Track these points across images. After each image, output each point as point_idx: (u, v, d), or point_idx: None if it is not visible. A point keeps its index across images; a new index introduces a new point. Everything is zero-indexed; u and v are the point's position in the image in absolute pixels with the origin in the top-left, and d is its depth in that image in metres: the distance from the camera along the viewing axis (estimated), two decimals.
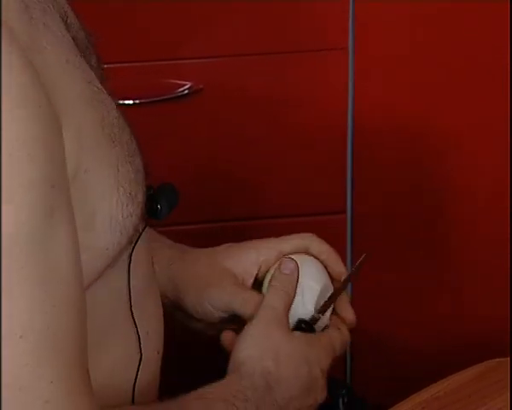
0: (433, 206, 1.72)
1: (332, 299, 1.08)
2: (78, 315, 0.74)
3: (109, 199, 0.78)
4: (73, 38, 0.84)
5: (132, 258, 0.84)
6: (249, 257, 1.11)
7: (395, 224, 1.72)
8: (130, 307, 0.86)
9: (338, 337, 1.08)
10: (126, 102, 1.52)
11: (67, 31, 0.81)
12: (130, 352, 0.90)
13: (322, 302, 1.09)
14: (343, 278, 1.09)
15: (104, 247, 0.78)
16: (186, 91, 1.52)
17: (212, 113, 1.60)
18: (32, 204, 0.67)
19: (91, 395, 0.75)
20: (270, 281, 1.06)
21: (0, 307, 0.66)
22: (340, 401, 1.34)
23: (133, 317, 0.87)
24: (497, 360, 1.20)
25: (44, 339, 0.70)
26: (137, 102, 1.53)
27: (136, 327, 0.88)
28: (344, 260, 1.56)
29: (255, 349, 0.96)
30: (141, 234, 0.83)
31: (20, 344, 0.68)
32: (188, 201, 1.63)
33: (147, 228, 0.88)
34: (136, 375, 0.89)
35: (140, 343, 0.89)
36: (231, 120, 1.60)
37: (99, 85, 0.82)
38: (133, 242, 0.83)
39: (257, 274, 1.07)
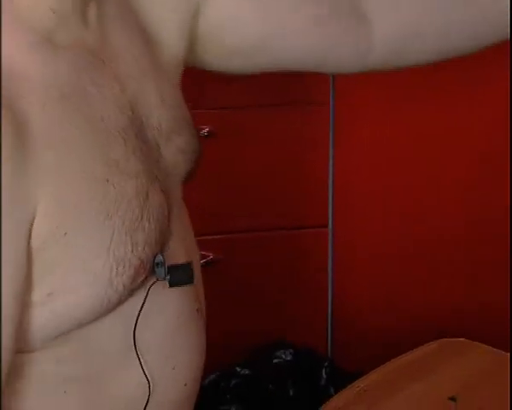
0: (409, 219, 1.90)
1: None
2: None
3: (95, 259, 0.79)
4: (140, 125, 0.86)
5: (146, 310, 0.85)
6: None
7: (373, 236, 1.92)
8: (135, 347, 0.86)
9: None
10: None
11: (132, 111, 0.84)
12: (136, 389, 0.90)
13: None
14: None
15: (88, 297, 0.80)
16: (205, 134, 1.74)
17: (222, 150, 1.77)
18: None
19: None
20: None
21: None
22: (324, 370, 1.67)
23: (139, 359, 0.87)
24: (450, 339, 1.42)
25: None
26: None
27: (142, 365, 0.88)
28: (325, 269, 1.91)
29: None
30: (148, 291, 0.85)
31: None
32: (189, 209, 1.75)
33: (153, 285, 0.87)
34: (145, 407, 0.89)
35: (148, 381, 0.88)
36: (236, 154, 1.80)
37: (133, 165, 0.83)
38: (129, 297, 0.83)
39: None
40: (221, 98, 1.86)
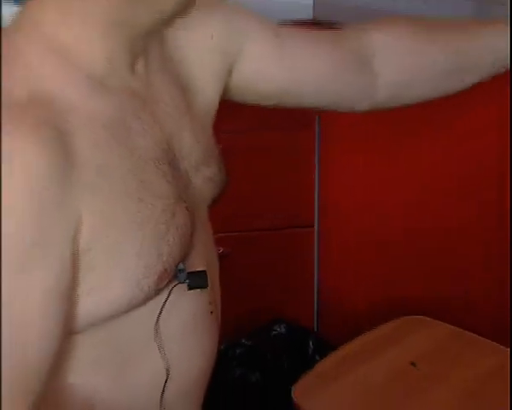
0: (380, 218, 1.98)
1: None
2: (28, 361, 0.77)
3: (128, 263, 0.85)
4: (173, 157, 0.91)
5: (167, 306, 0.91)
6: None
7: (352, 233, 2.03)
8: (156, 338, 0.92)
9: None
10: None
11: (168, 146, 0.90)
12: (157, 373, 0.95)
13: None
14: None
15: (122, 295, 0.86)
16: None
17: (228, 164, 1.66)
18: (11, 245, 0.74)
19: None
20: None
21: None
22: (311, 342, 1.82)
23: (159, 348, 0.93)
24: (411, 316, 1.65)
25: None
26: None
27: (161, 352, 0.93)
28: (312, 265, 2.02)
29: None
30: (170, 292, 0.91)
31: None
32: None
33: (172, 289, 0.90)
34: (163, 390, 0.94)
35: (166, 367, 0.94)
36: (239, 166, 1.63)
37: (166, 189, 0.89)
38: (165, 292, 0.90)
39: None
40: (220, 125, 1.78)
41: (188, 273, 0.91)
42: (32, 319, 0.76)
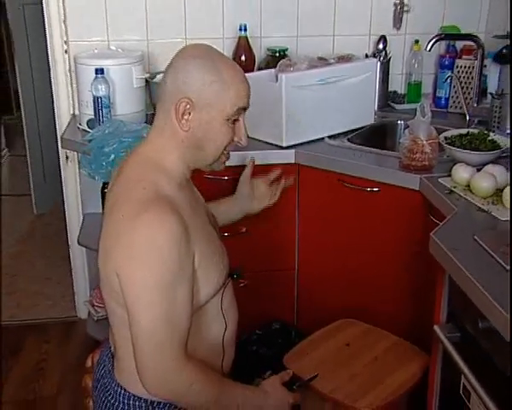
0: (342, 261, 2.38)
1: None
2: (181, 328, 1.18)
3: (212, 272, 1.28)
4: (208, 213, 1.36)
5: (225, 291, 1.35)
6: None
7: (319, 274, 2.44)
8: (221, 308, 1.35)
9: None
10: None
11: (205, 208, 1.37)
12: (221, 326, 1.36)
13: None
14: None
15: (212, 288, 1.29)
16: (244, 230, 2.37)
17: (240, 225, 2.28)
18: (169, 273, 1.11)
19: (184, 358, 1.18)
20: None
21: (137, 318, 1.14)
22: (293, 332, 2.29)
23: (223, 313, 1.35)
24: (347, 319, 2.15)
25: (165, 328, 1.13)
26: (226, 234, 2.03)
27: (223, 315, 1.33)
28: (292, 302, 2.58)
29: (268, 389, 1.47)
30: (227, 284, 1.33)
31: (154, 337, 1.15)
32: None
33: (229, 282, 1.36)
34: (224, 334, 1.36)
35: (225, 322, 1.35)
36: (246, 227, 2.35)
37: (214, 234, 1.31)
38: (223, 285, 1.32)
39: None
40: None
41: (234, 271, 1.36)
42: (183, 308, 1.19)
